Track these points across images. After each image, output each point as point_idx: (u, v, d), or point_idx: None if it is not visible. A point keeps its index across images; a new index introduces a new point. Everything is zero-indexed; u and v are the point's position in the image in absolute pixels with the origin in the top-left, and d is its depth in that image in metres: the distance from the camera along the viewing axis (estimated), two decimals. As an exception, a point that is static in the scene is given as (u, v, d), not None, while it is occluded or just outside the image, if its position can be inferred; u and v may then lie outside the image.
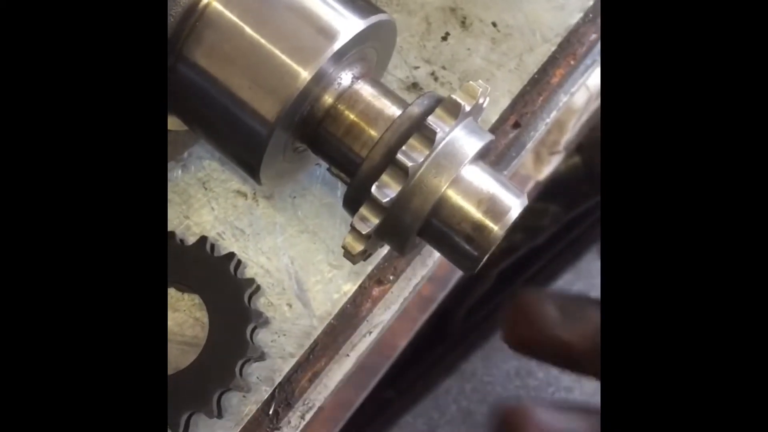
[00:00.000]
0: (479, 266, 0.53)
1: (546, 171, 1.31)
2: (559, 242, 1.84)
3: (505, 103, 0.74)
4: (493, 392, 1.71)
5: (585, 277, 1.79)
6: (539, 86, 0.75)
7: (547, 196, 1.72)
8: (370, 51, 0.57)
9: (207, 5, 0.51)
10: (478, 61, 0.75)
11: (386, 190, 0.50)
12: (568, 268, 1.84)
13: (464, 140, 0.52)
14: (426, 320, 1.39)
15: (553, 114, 0.77)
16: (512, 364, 1.72)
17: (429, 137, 0.50)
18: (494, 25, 0.77)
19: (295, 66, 0.51)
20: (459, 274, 1.30)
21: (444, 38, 0.76)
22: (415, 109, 0.52)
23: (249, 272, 0.68)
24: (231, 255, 0.66)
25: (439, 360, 1.76)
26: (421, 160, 0.50)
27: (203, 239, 0.66)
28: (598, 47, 0.79)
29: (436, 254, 0.73)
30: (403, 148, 0.50)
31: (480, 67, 0.75)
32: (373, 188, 0.50)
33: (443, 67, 0.75)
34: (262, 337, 0.66)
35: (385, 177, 0.50)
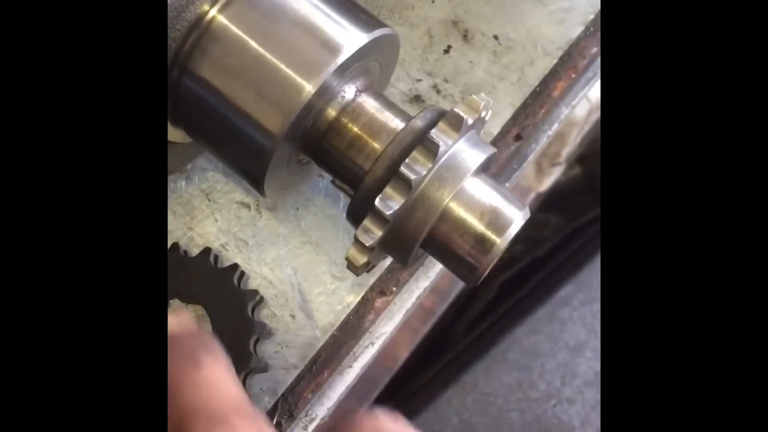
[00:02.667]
0: (482, 278, 0.53)
1: (547, 182, 1.32)
2: (560, 253, 1.85)
3: (506, 115, 0.75)
4: (495, 404, 1.71)
5: (586, 288, 1.80)
6: (540, 99, 0.76)
7: (549, 208, 1.73)
8: (373, 64, 0.58)
9: (212, 20, 0.52)
10: (480, 73, 0.76)
11: (390, 202, 0.50)
12: (569, 279, 1.84)
13: (467, 153, 0.53)
14: (427, 332, 1.40)
15: (555, 126, 0.78)
16: (514, 376, 1.72)
17: (432, 150, 0.50)
18: (496, 38, 0.77)
19: (299, 80, 0.51)
20: (460, 285, 1.30)
21: (446, 51, 0.77)
22: (418, 123, 0.53)
23: (252, 283, 0.68)
24: (234, 266, 0.66)
25: (440, 371, 1.76)
26: (424, 173, 0.50)
27: (207, 250, 0.67)
28: (598, 60, 0.79)
29: (439, 265, 0.73)
30: (407, 161, 0.50)
31: (482, 80, 0.76)
32: (377, 201, 0.50)
33: (445, 80, 0.76)
34: (265, 348, 0.67)
35: (388, 189, 0.50)
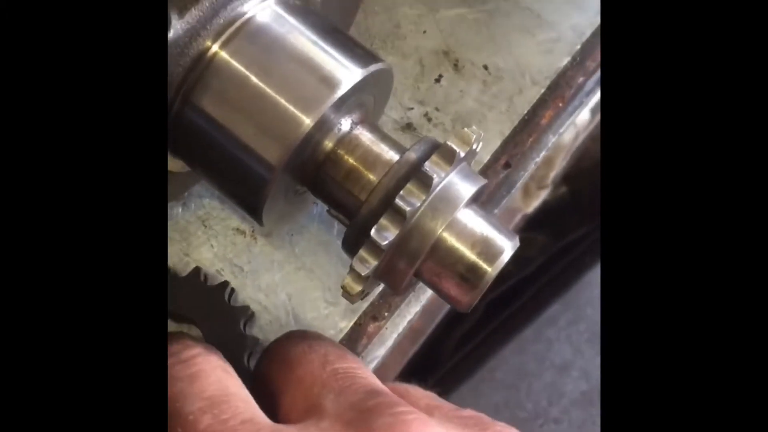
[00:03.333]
0: (473, 306, 0.55)
1: (534, 204, 1.33)
2: (547, 273, 1.87)
3: (496, 143, 0.77)
4: (482, 423, 1.71)
5: (573, 308, 1.82)
6: (529, 127, 0.78)
7: (535, 227, 1.74)
8: (368, 97, 0.60)
9: (215, 55, 0.53)
10: (470, 102, 0.78)
11: (385, 233, 0.52)
12: (555, 298, 1.86)
13: (459, 185, 0.54)
14: (415, 351, 1.40)
15: (543, 154, 0.80)
16: (501, 395, 1.73)
17: (426, 183, 0.52)
18: (485, 67, 0.79)
19: (298, 113, 0.53)
20: (448, 306, 1.31)
21: (437, 80, 0.79)
22: (412, 155, 0.54)
23: (247, 308, 0.69)
24: (225, 284, 0.68)
25: (428, 391, 1.76)
26: (418, 204, 0.52)
27: (197, 270, 0.68)
28: (585, 89, 0.82)
29: (429, 291, 0.75)
30: (401, 193, 0.52)
31: (472, 109, 0.78)
32: (373, 231, 0.52)
33: (436, 109, 0.78)
34: (260, 371, 0.68)
35: (383, 221, 0.52)
